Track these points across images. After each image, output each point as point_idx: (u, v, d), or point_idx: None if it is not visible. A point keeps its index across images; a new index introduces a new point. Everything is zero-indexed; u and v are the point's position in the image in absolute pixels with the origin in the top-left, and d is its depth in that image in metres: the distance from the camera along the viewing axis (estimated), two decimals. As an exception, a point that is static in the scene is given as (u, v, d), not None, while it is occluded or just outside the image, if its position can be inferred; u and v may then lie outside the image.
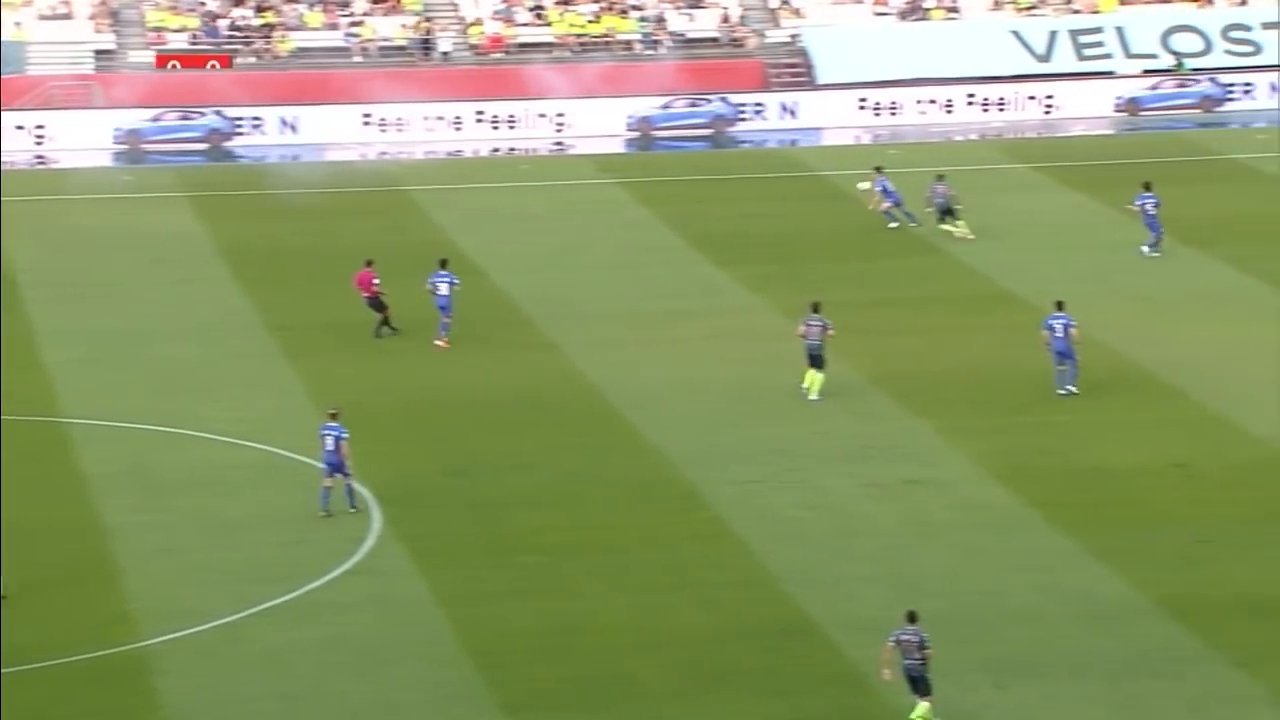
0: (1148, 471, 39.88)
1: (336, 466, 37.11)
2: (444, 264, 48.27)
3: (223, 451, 40.81)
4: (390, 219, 60.40)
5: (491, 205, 62.80)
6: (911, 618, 30.18)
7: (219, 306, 51.48)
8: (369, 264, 47.80)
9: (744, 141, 74.28)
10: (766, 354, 47.05)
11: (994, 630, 33.01)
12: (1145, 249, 54.95)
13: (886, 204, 57.59)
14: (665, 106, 74.63)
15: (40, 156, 70.52)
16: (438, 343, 47.13)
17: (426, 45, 78.02)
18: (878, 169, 58.68)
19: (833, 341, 43.57)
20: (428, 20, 79.22)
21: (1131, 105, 76.90)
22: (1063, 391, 43.56)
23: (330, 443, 37.10)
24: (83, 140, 71.39)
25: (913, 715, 29.88)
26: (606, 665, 31.94)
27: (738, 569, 35.35)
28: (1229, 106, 77.66)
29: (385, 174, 68.14)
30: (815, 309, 44.12)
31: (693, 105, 74.93)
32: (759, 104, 75.47)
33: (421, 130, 73.32)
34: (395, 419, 42.86)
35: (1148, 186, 55.18)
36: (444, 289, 47.47)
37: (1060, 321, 43.71)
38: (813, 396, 43.66)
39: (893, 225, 57.49)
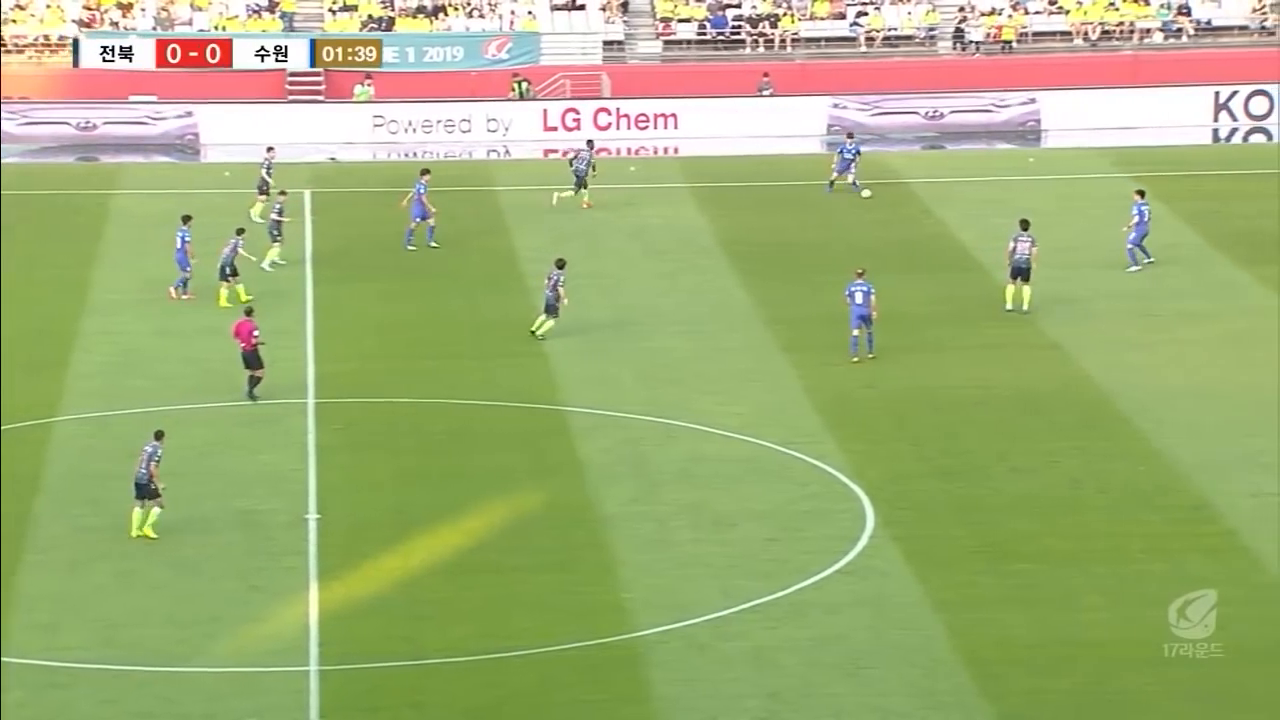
0: None
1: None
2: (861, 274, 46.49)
3: (716, 444, 40.88)
4: (891, 212, 59.90)
5: (993, 199, 61.74)
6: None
7: (716, 298, 51.72)
8: (249, 313, 44.02)
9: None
10: (1284, 359, 45.22)
11: None
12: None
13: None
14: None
15: (552, 148, 71.50)
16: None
17: (959, 33, 77.13)
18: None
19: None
20: (933, 10, 78.51)
21: None
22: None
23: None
24: (595, 132, 71.87)
25: None
26: (1107, 680, 30.96)
27: (1249, 585, 33.89)
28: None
29: (886, 166, 67.63)
30: (1025, 226, 48.20)
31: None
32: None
33: (921, 120, 72.60)
34: (887, 416, 42.38)
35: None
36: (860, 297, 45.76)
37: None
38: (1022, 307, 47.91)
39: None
